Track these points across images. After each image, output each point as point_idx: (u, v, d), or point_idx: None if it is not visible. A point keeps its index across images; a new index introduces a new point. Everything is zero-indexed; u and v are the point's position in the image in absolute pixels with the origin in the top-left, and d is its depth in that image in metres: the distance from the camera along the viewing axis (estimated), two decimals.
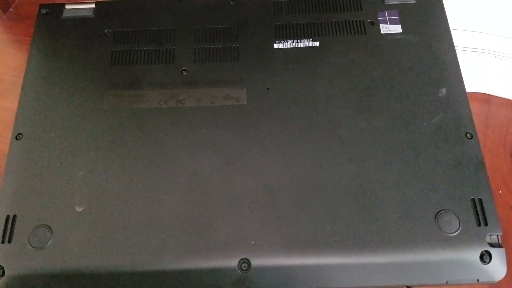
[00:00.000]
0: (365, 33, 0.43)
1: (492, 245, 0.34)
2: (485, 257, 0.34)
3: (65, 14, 0.45)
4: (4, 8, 0.52)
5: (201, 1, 0.46)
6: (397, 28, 0.43)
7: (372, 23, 0.44)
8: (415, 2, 0.45)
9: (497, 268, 0.34)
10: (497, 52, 0.48)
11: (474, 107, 0.40)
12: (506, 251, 0.34)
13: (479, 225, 0.35)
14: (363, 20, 0.44)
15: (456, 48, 0.42)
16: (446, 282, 0.34)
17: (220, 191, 0.36)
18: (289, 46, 0.43)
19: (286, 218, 0.35)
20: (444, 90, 0.40)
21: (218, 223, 0.35)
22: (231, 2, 0.45)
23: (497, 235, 0.35)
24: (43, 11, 0.45)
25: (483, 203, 0.35)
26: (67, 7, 0.45)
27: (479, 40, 0.47)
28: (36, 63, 0.43)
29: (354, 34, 0.43)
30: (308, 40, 0.43)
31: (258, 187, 0.37)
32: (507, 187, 0.43)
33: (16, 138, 0.39)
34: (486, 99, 0.44)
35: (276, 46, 0.43)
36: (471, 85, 0.44)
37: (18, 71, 0.47)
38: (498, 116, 0.46)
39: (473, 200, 0.36)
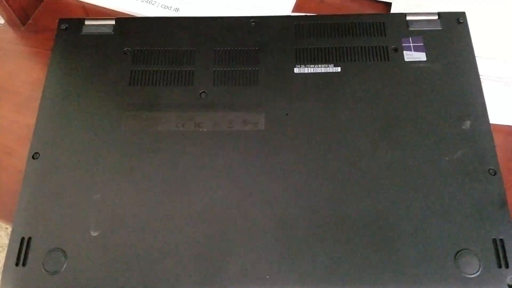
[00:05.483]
0: (388, 59, 0.42)
1: None
2: None
3: (84, 30, 0.45)
4: (23, 20, 0.51)
5: (221, 20, 0.45)
6: (421, 56, 0.42)
7: (396, 50, 0.43)
8: (441, 28, 0.44)
9: None
10: None
11: (498, 139, 0.39)
12: None
13: (500, 266, 0.34)
14: (386, 46, 0.43)
15: (480, 76, 0.41)
16: None
17: (235, 221, 0.36)
18: (309, 71, 0.42)
19: (302, 252, 0.35)
20: (468, 123, 0.39)
21: (233, 255, 0.35)
22: (252, 22, 0.45)
23: None
24: (63, 26, 0.45)
25: (505, 244, 0.35)
26: (87, 22, 0.45)
27: (505, 70, 0.46)
28: (54, 81, 0.42)
29: (377, 60, 0.42)
30: (329, 65, 0.42)
31: (274, 218, 0.36)
32: None
33: (33, 157, 0.39)
34: (510, 131, 0.43)
35: (296, 70, 0.42)
36: (495, 116, 0.42)
37: (35, 85, 0.47)
38: None
39: (495, 240, 0.35)
